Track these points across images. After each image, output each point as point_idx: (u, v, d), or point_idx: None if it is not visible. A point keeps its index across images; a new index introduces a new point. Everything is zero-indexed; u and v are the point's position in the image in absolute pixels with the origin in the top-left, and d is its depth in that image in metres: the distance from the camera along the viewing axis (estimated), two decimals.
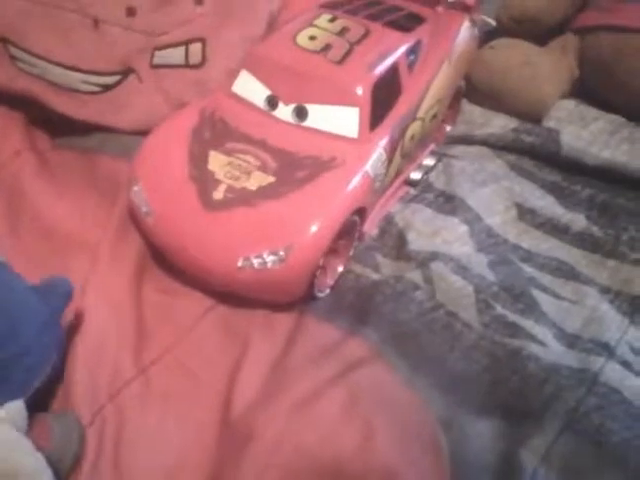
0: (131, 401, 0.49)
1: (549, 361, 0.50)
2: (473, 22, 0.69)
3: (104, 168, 0.65)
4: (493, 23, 0.83)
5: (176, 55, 0.65)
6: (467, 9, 0.68)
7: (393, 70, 0.59)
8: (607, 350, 0.52)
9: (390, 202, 0.64)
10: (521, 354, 0.51)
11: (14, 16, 0.63)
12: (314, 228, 0.50)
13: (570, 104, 0.76)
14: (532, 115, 0.73)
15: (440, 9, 0.69)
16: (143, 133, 0.61)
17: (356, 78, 0.56)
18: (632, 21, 0.71)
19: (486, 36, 0.84)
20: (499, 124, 0.72)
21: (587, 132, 0.72)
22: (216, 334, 0.53)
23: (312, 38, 0.59)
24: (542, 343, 0.52)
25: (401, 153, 0.61)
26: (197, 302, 0.55)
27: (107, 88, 0.64)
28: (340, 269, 0.57)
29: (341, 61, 0.57)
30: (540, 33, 0.80)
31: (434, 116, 0.65)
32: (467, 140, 0.73)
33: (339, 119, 0.56)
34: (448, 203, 0.64)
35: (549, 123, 0.74)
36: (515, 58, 0.73)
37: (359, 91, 0.56)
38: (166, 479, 0.46)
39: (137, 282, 0.55)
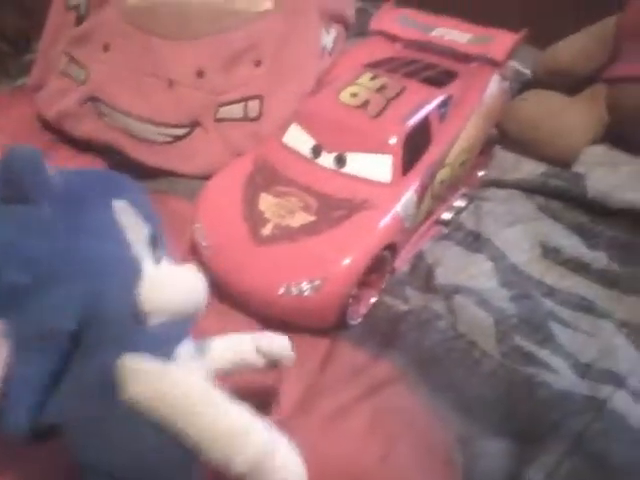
0: None
1: (560, 388, 0.55)
2: (503, 76, 0.75)
3: (172, 208, 0.74)
4: (528, 73, 0.90)
5: (237, 110, 0.74)
6: (496, 64, 0.75)
7: (424, 122, 0.66)
8: (617, 380, 0.56)
9: (422, 240, 0.70)
10: (534, 381, 0.56)
11: (105, 80, 0.75)
12: (346, 262, 0.57)
13: (600, 149, 0.81)
14: (562, 162, 0.78)
15: (473, 65, 0.76)
16: (206, 178, 0.71)
17: (390, 129, 0.64)
18: None
19: (522, 86, 0.91)
20: (528, 169, 0.78)
21: (615, 176, 0.77)
22: None
23: (353, 95, 0.68)
24: (555, 371, 0.57)
25: (431, 195, 0.67)
26: (245, 326, 0.62)
27: (177, 139, 0.75)
28: (372, 300, 0.64)
29: (377, 115, 0.65)
30: (574, 84, 0.86)
31: (463, 163, 0.71)
32: (499, 184, 0.79)
33: (374, 166, 0.64)
34: (476, 241, 0.70)
35: (579, 168, 0.79)
36: (545, 109, 0.79)
37: (392, 141, 0.63)
38: None
39: None
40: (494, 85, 0.74)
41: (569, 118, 0.79)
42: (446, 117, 0.69)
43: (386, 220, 0.61)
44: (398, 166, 0.63)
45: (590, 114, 0.80)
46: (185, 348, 0.43)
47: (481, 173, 0.80)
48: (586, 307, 0.64)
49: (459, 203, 0.75)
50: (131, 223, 0.40)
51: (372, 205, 0.62)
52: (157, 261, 0.41)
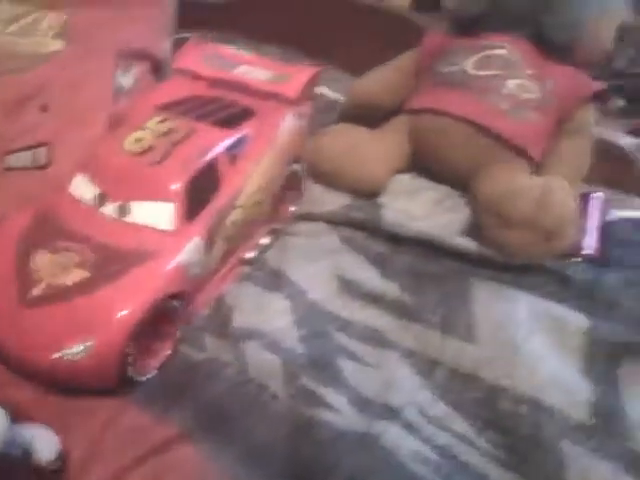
0: None
1: (338, 427, 0.55)
2: (298, 114, 0.77)
3: None
4: (331, 95, 0.93)
5: (24, 158, 0.71)
6: (290, 102, 0.76)
7: (211, 165, 0.66)
8: (393, 413, 0.57)
9: (224, 282, 0.70)
10: (315, 422, 0.56)
11: None
12: (118, 319, 0.56)
13: (405, 178, 0.85)
14: (366, 193, 0.80)
15: (270, 103, 0.76)
16: None
17: (171, 176, 0.63)
18: (450, 108, 0.80)
19: (340, 116, 0.93)
20: (334, 202, 0.80)
21: (415, 203, 0.80)
22: (47, 420, 0.56)
23: (139, 140, 0.66)
24: (336, 410, 0.57)
25: (224, 238, 0.67)
26: (28, 392, 0.58)
27: None
28: (167, 352, 0.62)
29: (160, 161, 0.64)
30: (380, 116, 0.89)
31: (258, 202, 0.71)
32: (308, 217, 0.79)
33: (157, 214, 0.62)
34: (276, 280, 0.70)
35: (383, 197, 0.82)
36: (345, 143, 0.81)
37: (173, 188, 0.62)
38: None
39: None
40: (289, 123, 0.75)
41: (371, 150, 0.81)
42: (237, 158, 0.69)
43: (167, 270, 0.60)
44: (181, 213, 0.62)
45: (392, 145, 0.83)
46: None
47: (293, 208, 0.81)
48: (376, 339, 0.65)
49: (264, 241, 0.75)
50: None
51: (154, 255, 0.60)
52: None
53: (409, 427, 0.57)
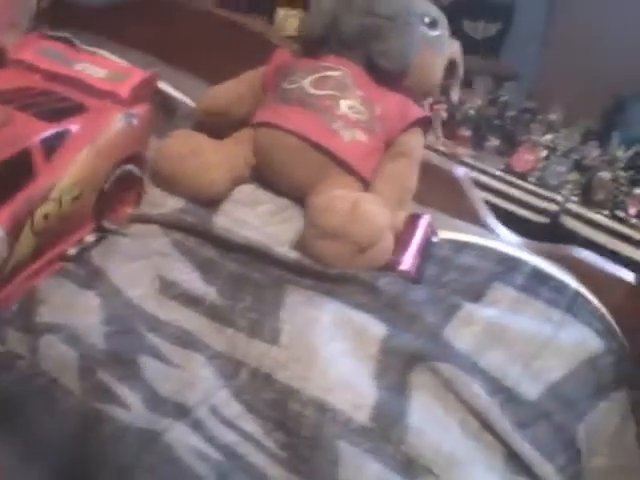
0: None
1: (123, 423, 0.55)
2: (130, 115, 0.77)
3: None
4: (191, 104, 0.94)
5: None
6: (121, 102, 0.76)
7: (23, 155, 0.64)
8: (183, 411, 0.58)
9: (37, 277, 0.68)
10: (102, 417, 0.55)
11: None
12: None
13: (248, 188, 0.86)
14: (203, 198, 0.81)
15: (104, 101, 0.76)
16: None
17: None
18: (285, 122, 0.83)
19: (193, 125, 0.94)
20: (170, 205, 0.80)
21: (252, 213, 0.82)
22: None
23: None
24: (125, 406, 0.57)
25: (33, 231, 0.65)
26: None
27: None
28: None
29: None
30: (229, 125, 0.91)
31: (76, 197, 0.70)
32: (143, 219, 0.79)
33: None
34: (94, 278, 0.69)
35: (222, 205, 0.83)
36: (186, 147, 0.81)
37: None
38: None
39: None
40: (118, 122, 0.75)
41: (211, 157, 0.82)
42: (56, 152, 0.68)
43: None
44: None
45: (235, 155, 0.85)
46: None
47: (130, 210, 0.80)
48: (185, 340, 0.66)
49: (89, 238, 0.74)
50: None
51: None
52: None
53: (196, 426, 0.57)
